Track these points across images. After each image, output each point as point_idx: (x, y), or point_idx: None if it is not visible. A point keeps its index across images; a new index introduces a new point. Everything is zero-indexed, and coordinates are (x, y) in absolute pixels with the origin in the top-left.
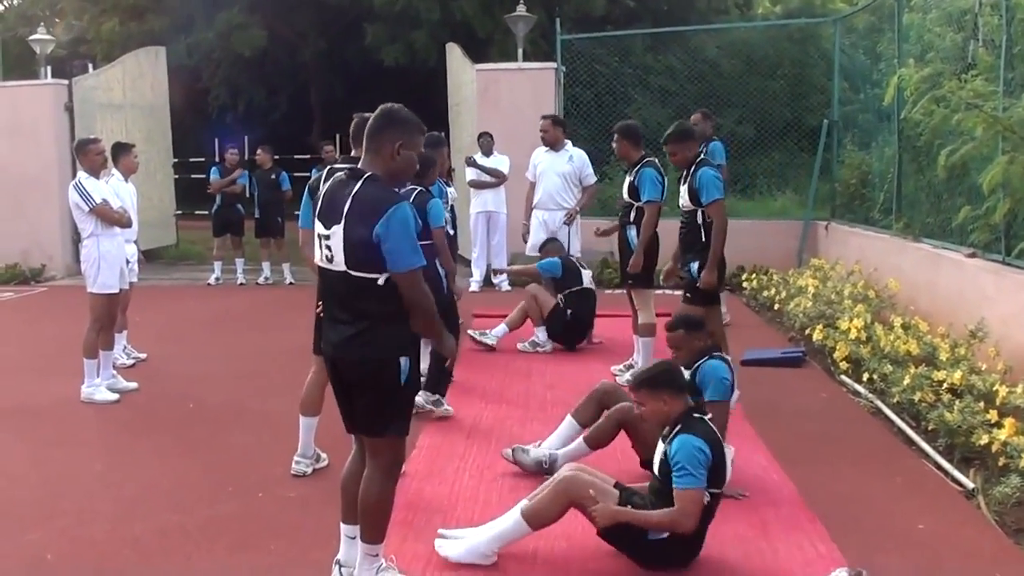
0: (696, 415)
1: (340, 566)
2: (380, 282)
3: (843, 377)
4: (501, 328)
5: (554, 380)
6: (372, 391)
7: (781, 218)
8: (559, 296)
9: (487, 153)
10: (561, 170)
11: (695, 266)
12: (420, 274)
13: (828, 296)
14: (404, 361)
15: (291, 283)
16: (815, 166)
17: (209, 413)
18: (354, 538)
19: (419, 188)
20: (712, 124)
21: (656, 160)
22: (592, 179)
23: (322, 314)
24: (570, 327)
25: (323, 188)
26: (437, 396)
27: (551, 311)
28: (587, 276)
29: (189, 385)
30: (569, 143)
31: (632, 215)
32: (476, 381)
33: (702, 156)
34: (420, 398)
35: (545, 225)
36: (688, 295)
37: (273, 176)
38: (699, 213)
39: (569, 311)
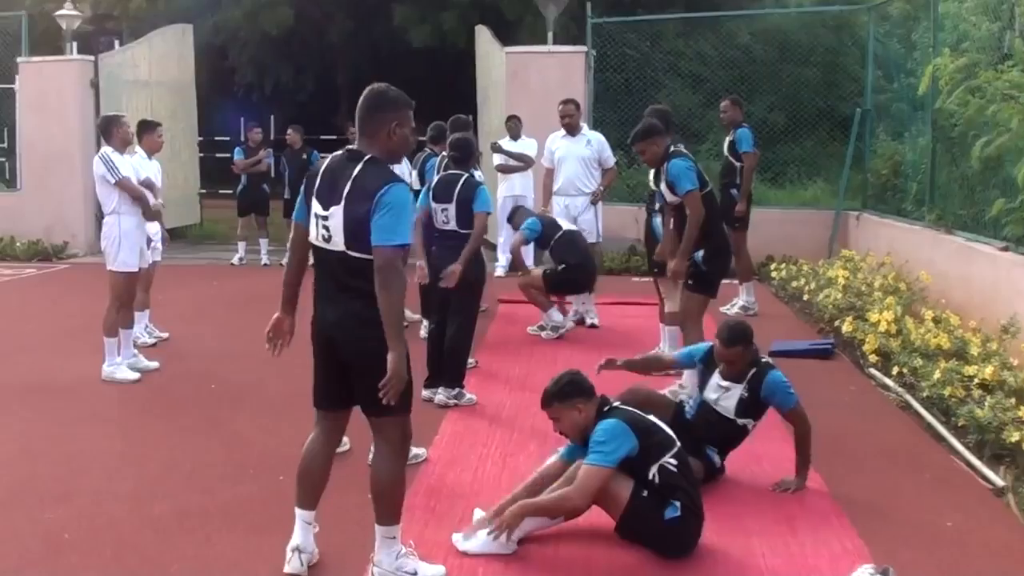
0: (612, 405)
1: (299, 552)
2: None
3: (872, 370)
4: (556, 316)
5: (581, 368)
6: (375, 370)
7: (812, 208)
8: (548, 253)
9: (515, 137)
10: (581, 155)
11: (700, 254)
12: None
13: (858, 288)
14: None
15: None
16: (847, 155)
17: (231, 393)
18: (310, 523)
19: (464, 175)
20: (742, 111)
21: (681, 146)
22: (612, 161)
23: (317, 290)
24: (572, 275)
25: (322, 168)
26: (458, 388)
27: (548, 280)
28: (566, 223)
29: (211, 365)
30: (585, 126)
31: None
32: (500, 367)
33: (671, 148)
34: (442, 395)
35: (567, 211)
36: (690, 282)
37: (304, 156)
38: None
39: (562, 264)
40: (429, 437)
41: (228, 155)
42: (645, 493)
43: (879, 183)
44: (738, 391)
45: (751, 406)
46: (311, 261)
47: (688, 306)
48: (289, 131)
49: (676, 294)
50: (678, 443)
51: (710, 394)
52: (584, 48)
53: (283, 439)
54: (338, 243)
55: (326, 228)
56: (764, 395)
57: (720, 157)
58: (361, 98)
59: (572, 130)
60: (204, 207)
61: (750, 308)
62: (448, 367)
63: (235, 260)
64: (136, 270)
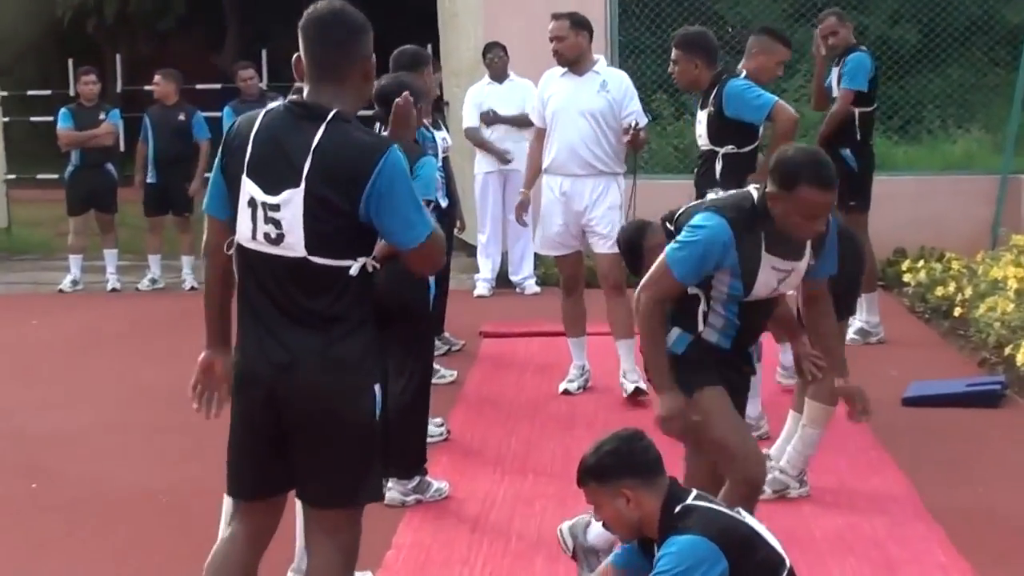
0: (687, 504)
1: None
2: (353, 271)
3: None
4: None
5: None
6: (339, 436)
7: (963, 171)
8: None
9: (499, 78)
10: (588, 106)
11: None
12: (440, 238)
13: None
14: (378, 389)
15: (193, 288)
16: (1017, 88)
17: (64, 495)
18: None
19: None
20: (852, 28)
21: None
22: (642, 118)
23: (245, 320)
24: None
25: (253, 132)
26: (418, 478)
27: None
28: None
29: (32, 452)
30: (601, 60)
31: (718, 165)
32: (485, 437)
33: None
34: (395, 490)
35: (566, 199)
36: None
37: (181, 117)
38: (720, 155)
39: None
40: (378, 553)
41: (49, 119)
42: None
43: None
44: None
45: None
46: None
47: None
48: (157, 78)
49: None
50: (787, 560)
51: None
52: None
53: (155, 568)
54: (294, 245)
55: (274, 223)
56: None
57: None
58: (313, 23)
59: (574, 64)
60: (11, 202)
61: (873, 332)
62: (398, 446)
63: (66, 284)
64: None
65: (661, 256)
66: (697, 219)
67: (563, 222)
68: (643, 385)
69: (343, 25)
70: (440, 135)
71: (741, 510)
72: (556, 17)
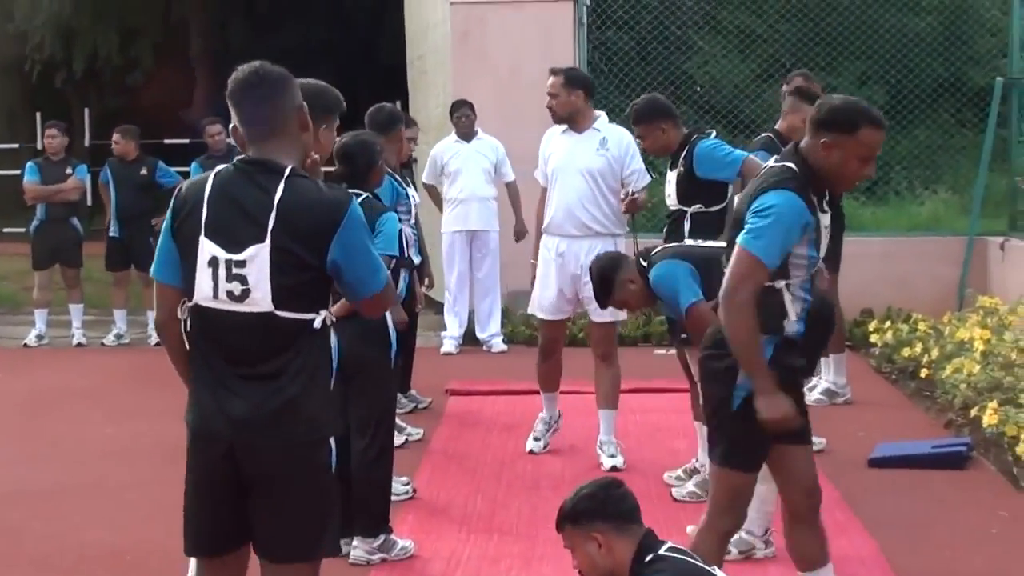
0: (658, 554)
1: None
2: (316, 324)
3: None
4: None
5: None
6: (296, 491)
7: (930, 232)
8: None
9: (466, 136)
10: (587, 165)
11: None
12: (391, 284)
13: (1007, 356)
14: (333, 443)
15: (159, 343)
16: (984, 150)
17: (29, 552)
18: None
19: (364, 194)
20: (820, 89)
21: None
22: (644, 177)
23: (200, 376)
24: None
25: (207, 191)
26: (383, 536)
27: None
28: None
29: None
30: (602, 117)
31: (687, 224)
32: (451, 496)
33: (693, 135)
34: (360, 548)
35: (562, 262)
36: (683, 334)
37: (144, 171)
38: (689, 215)
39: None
40: None
41: (16, 172)
42: None
43: None
44: None
45: None
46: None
47: None
48: (116, 136)
49: None
50: None
51: None
52: None
53: None
54: (259, 300)
55: (239, 279)
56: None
57: None
58: (238, 86)
59: (573, 121)
60: None
61: (839, 393)
62: (362, 504)
63: (31, 338)
64: None
65: (737, 258)
66: (761, 203)
67: (558, 287)
68: (619, 463)
69: (266, 81)
70: (412, 193)
71: (715, 568)
72: (553, 73)
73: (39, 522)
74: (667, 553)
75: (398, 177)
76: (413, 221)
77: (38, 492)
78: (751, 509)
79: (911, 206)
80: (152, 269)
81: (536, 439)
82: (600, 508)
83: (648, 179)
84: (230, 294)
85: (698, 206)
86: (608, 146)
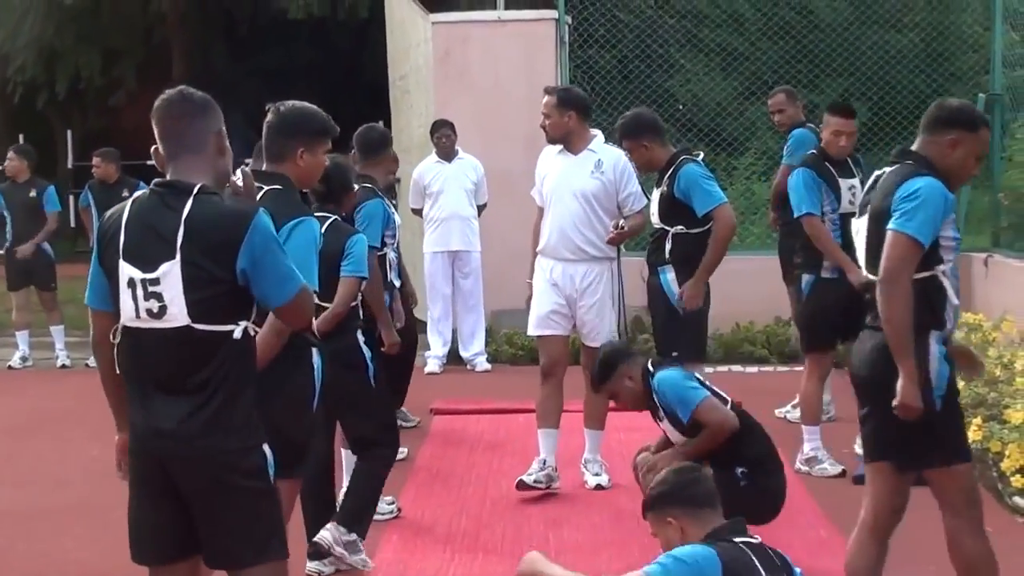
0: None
1: None
2: (237, 335)
3: (1018, 499)
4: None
5: (560, 516)
6: (235, 499)
7: None
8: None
9: (447, 156)
10: (580, 187)
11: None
12: (309, 293)
13: (991, 372)
14: (267, 448)
15: None
16: None
17: (14, 574)
18: None
19: (332, 217)
20: (802, 106)
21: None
22: (640, 200)
23: (132, 394)
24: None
25: (123, 218)
26: (354, 536)
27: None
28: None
29: None
30: (599, 136)
31: (668, 244)
32: (436, 517)
33: (680, 156)
34: (327, 533)
35: (555, 287)
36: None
37: (125, 193)
38: (670, 235)
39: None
40: None
41: None
42: None
43: (1017, 208)
44: None
45: None
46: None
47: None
48: (96, 160)
49: None
50: None
51: None
52: (554, 14)
53: None
54: (176, 315)
55: (155, 297)
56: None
57: (770, 177)
58: (160, 105)
59: (568, 142)
60: None
61: (824, 410)
62: (353, 506)
63: (15, 360)
64: None
65: (893, 243)
66: (906, 188)
67: (554, 305)
68: (604, 481)
69: (187, 102)
70: (397, 218)
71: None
72: (546, 92)
73: (24, 543)
74: (738, 539)
75: (386, 200)
76: (396, 244)
77: (23, 513)
78: None
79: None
80: (86, 297)
81: (528, 474)
82: (673, 494)
83: (644, 202)
84: (149, 312)
85: (680, 227)
86: (603, 168)
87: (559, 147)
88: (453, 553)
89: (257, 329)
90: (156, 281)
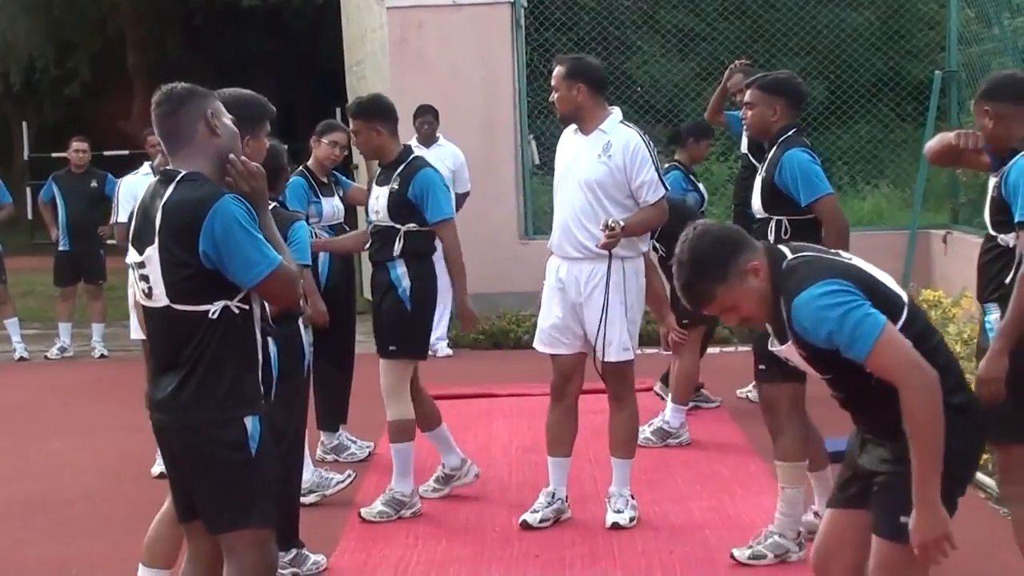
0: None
1: None
2: (213, 314)
3: (983, 477)
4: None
5: (524, 501)
6: (212, 467)
7: (872, 227)
8: None
9: (427, 142)
10: (585, 175)
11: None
12: (288, 273)
13: (951, 348)
14: (251, 422)
15: (103, 355)
16: (924, 144)
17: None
18: None
19: (271, 204)
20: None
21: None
22: (655, 190)
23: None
24: None
25: (137, 203)
26: (293, 551)
27: None
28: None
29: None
30: (613, 114)
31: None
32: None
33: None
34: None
35: (563, 288)
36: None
37: (94, 183)
38: (775, 220)
39: None
40: None
41: None
42: None
43: (976, 184)
44: None
45: None
46: None
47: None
48: (77, 144)
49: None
50: (905, 298)
51: None
52: None
53: None
54: (160, 296)
55: (145, 279)
56: None
57: (729, 159)
58: (152, 106)
59: (574, 121)
60: None
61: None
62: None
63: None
64: None
65: None
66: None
67: (563, 313)
68: (624, 520)
69: (172, 96)
70: (331, 202)
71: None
72: (556, 62)
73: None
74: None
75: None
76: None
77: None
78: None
79: (853, 201)
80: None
81: (534, 512)
82: (728, 246)
83: (661, 193)
84: (144, 292)
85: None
86: (612, 151)
87: (574, 127)
88: (416, 539)
89: (242, 306)
90: (143, 264)
